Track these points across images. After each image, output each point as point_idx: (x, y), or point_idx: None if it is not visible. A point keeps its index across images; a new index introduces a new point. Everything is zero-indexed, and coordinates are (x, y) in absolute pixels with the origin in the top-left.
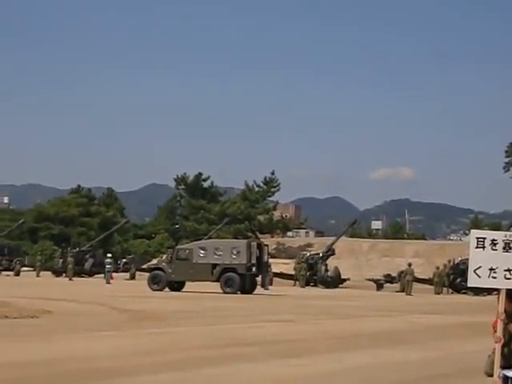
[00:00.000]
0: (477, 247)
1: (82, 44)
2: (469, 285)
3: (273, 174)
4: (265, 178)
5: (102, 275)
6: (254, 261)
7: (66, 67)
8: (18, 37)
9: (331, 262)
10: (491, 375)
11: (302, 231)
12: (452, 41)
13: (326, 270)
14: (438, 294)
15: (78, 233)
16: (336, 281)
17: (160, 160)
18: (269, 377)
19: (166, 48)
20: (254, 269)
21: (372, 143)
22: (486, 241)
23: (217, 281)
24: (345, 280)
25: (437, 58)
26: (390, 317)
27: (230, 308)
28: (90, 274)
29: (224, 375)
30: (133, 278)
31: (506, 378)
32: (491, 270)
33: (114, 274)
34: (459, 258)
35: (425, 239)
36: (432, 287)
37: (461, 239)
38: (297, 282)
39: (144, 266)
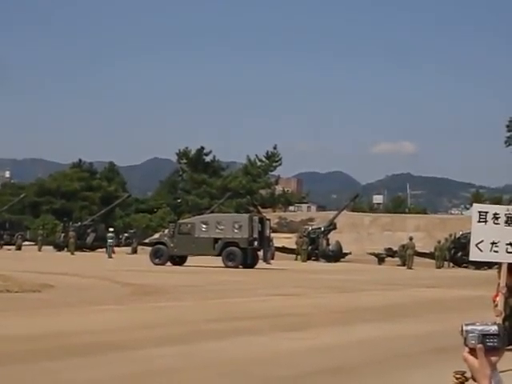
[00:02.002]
0: (479, 221)
1: (83, 33)
2: (470, 258)
3: (275, 148)
4: (267, 153)
5: (104, 249)
6: (255, 235)
7: (71, 48)
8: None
9: (333, 236)
10: None
11: (304, 205)
12: (451, 12)
13: (328, 244)
14: (439, 267)
15: (80, 207)
16: (337, 255)
17: (162, 134)
18: (272, 350)
19: (165, 29)
20: (255, 243)
21: (373, 118)
22: (487, 215)
23: (219, 255)
24: (346, 254)
25: (437, 30)
26: (392, 290)
27: (232, 282)
28: (92, 248)
29: (227, 349)
30: (135, 252)
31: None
32: (493, 243)
33: (116, 249)
34: (460, 232)
35: (426, 213)
36: (433, 261)
37: (462, 213)
38: (298, 256)
39: (146, 241)
